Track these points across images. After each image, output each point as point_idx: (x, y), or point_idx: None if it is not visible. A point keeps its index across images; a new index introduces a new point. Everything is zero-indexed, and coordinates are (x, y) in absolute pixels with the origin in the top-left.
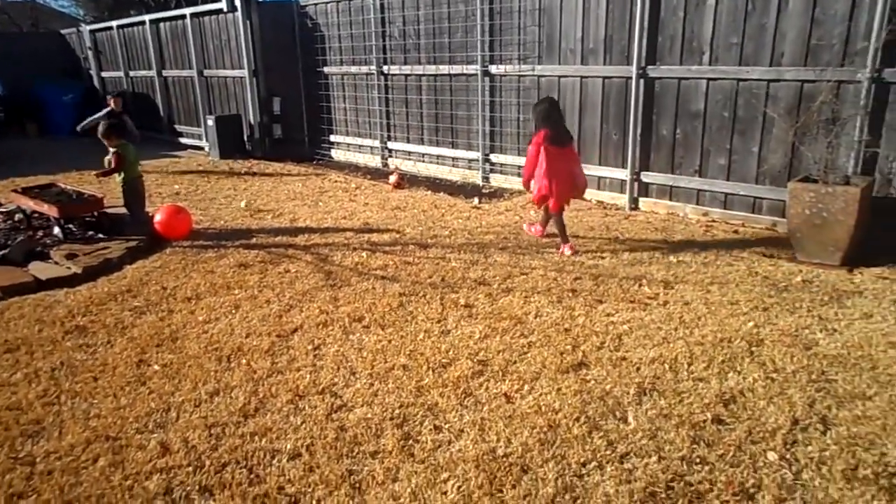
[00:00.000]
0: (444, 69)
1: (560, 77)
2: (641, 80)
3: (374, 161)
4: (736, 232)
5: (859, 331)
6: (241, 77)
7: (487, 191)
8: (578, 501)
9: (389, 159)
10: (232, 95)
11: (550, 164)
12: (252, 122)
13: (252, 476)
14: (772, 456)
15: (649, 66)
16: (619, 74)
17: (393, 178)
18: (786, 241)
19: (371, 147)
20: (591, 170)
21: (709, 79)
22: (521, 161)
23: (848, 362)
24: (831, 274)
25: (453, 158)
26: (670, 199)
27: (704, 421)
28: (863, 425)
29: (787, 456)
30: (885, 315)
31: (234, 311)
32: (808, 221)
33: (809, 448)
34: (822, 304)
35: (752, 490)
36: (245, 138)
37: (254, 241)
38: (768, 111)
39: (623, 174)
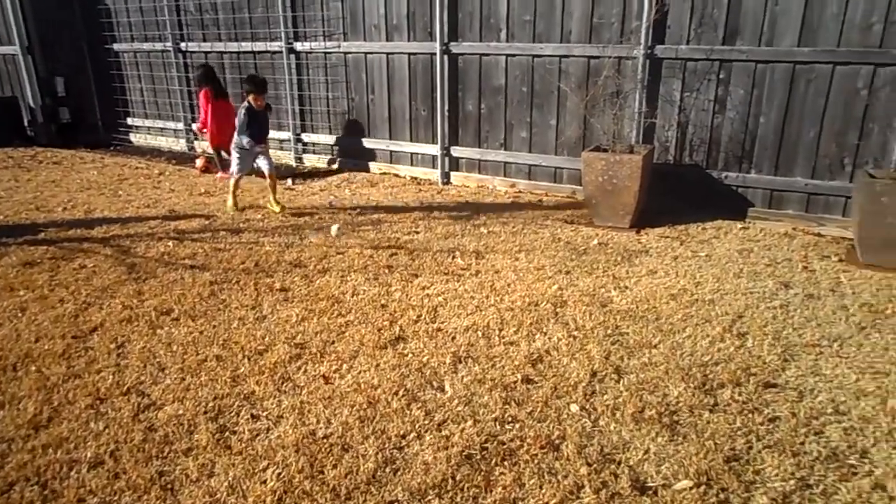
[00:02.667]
0: (248, 46)
1: (367, 54)
2: (445, 57)
3: (179, 145)
4: (540, 201)
5: (646, 286)
6: (13, 54)
7: (301, 171)
8: (399, 473)
9: (196, 142)
10: (4, 75)
11: (214, 114)
12: (32, 105)
13: (46, 492)
14: (574, 408)
15: (452, 43)
16: (424, 51)
17: (199, 162)
18: (584, 208)
19: (174, 130)
20: (403, 146)
21: (507, 55)
22: (334, 140)
23: (637, 315)
24: (623, 236)
25: None
26: (480, 173)
27: (515, 382)
28: (649, 371)
29: (587, 406)
30: (666, 270)
31: (19, 315)
32: (601, 188)
33: (605, 397)
34: (616, 265)
35: (557, 441)
36: (26, 123)
37: (42, 236)
38: (561, 86)
39: (434, 150)
